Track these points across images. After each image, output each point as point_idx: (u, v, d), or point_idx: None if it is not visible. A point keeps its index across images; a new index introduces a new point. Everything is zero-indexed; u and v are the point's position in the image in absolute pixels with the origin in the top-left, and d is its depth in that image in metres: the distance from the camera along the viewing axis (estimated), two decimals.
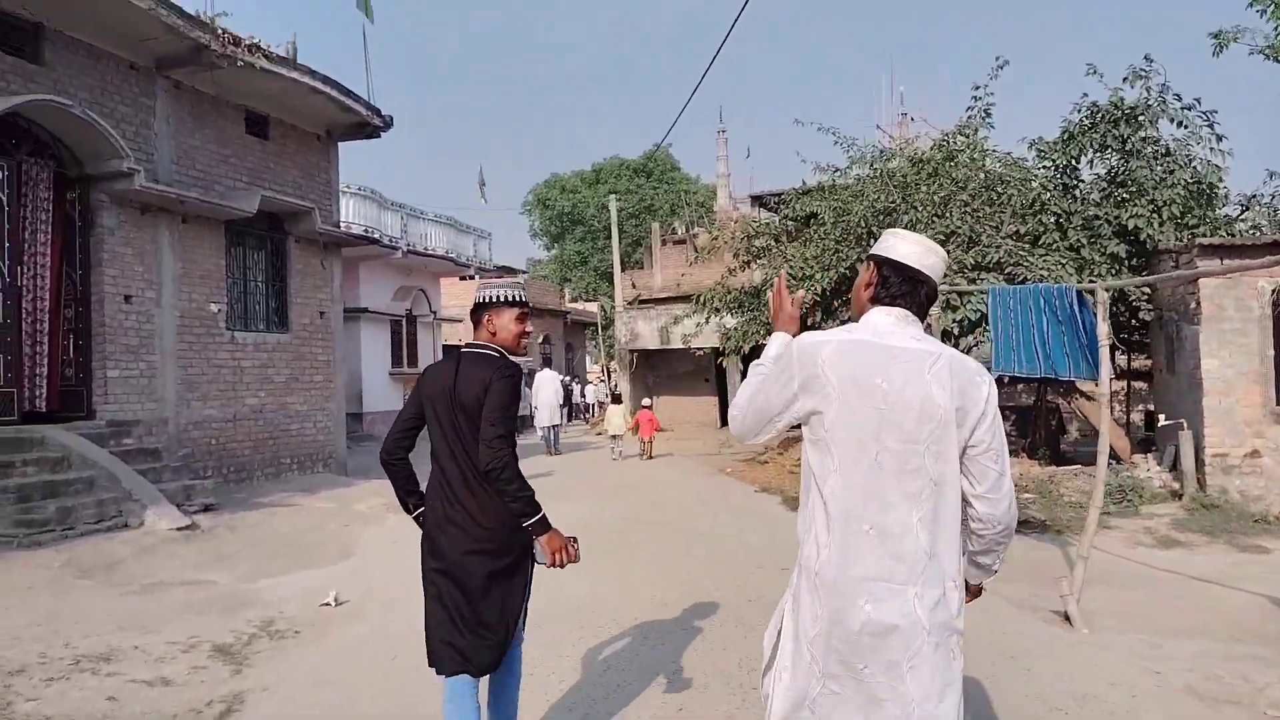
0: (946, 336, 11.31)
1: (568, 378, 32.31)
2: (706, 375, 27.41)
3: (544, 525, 3.23)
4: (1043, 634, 5.78)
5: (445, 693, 3.40)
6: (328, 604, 6.72)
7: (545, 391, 20.46)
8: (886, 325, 2.36)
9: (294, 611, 6.59)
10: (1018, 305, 6.83)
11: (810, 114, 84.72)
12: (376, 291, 24.36)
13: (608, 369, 29.72)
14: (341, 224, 20.91)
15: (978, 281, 11.60)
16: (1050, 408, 15.63)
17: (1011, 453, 8.99)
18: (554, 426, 20.60)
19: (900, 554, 2.21)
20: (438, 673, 3.41)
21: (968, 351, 11.08)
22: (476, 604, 3.31)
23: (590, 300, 54.25)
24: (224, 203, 11.96)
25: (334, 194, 14.77)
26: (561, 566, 3.27)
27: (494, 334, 3.45)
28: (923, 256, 2.41)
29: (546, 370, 23.05)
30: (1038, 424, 14.68)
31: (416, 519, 3.51)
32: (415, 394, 3.50)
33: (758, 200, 31.37)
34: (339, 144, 14.92)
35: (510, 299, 3.47)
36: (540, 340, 39.78)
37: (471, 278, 40.95)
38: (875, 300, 2.42)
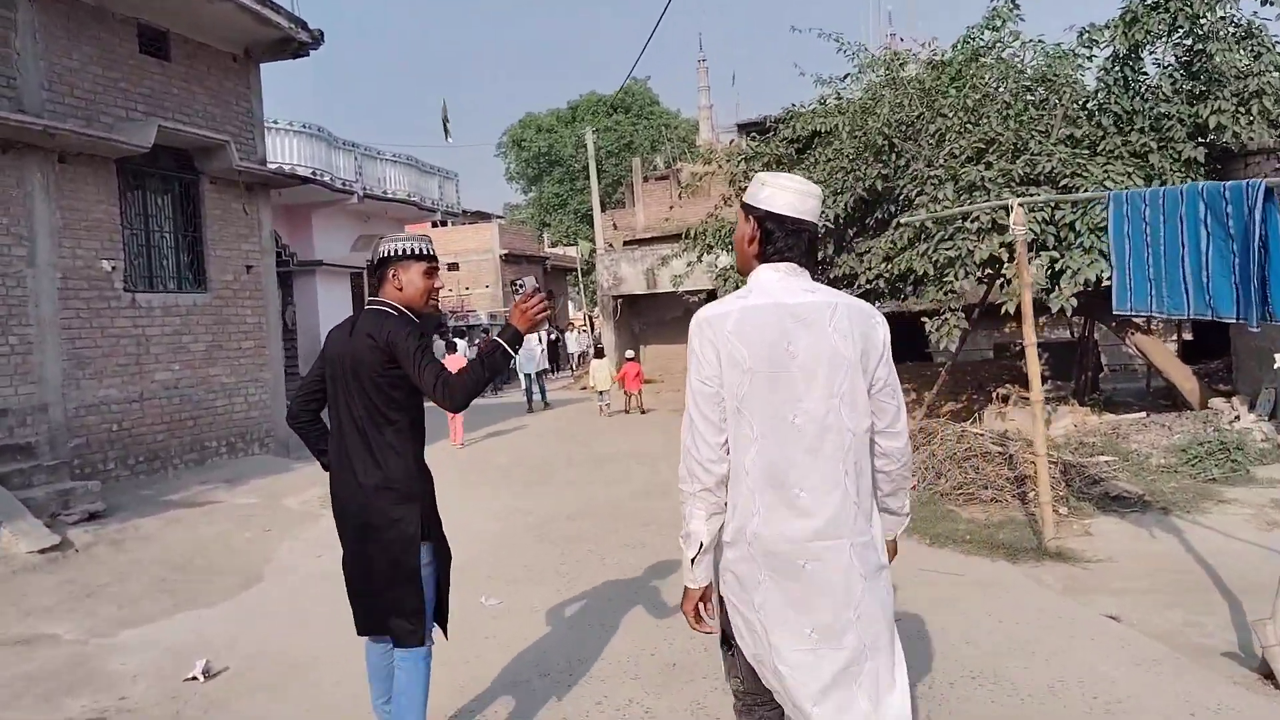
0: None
1: (554, 330, 30.23)
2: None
3: (509, 336, 3.07)
4: (1244, 706, 3.83)
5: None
6: (194, 678, 4.73)
7: (527, 342, 18.60)
8: (777, 282, 2.35)
9: (144, 693, 4.60)
10: (1159, 214, 4.80)
11: (792, 39, 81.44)
12: (333, 242, 22.14)
13: (591, 318, 27.70)
14: (284, 166, 18.69)
15: (1025, 194, 9.57)
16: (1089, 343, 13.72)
17: (1060, 398, 7.00)
18: (539, 373, 19.47)
19: (832, 509, 2.26)
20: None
21: (1054, 280, 9.07)
22: (366, 567, 3.24)
23: (571, 245, 52.26)
24: (110, 136, 9.76)
25: (257, 125, 12.52)
26: (541, 314, 3.07)
27: (400, 289, 3.25)
28: (800, 203, 2.38)
29: None
30: (1084, 364, 12.73)
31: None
32: (320, 356, 3.42)
33: (746, 129, 29.19)
34: (260, 66, 12.63)
35: (417, 251, 3.27)
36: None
37: (441, 223, 38.75)
38: (761, 257, 2.40)
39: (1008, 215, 8.89)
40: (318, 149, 19.89)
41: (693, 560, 2.37)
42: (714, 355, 2.31)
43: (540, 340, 21.19)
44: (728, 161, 14.30)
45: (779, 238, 2.37)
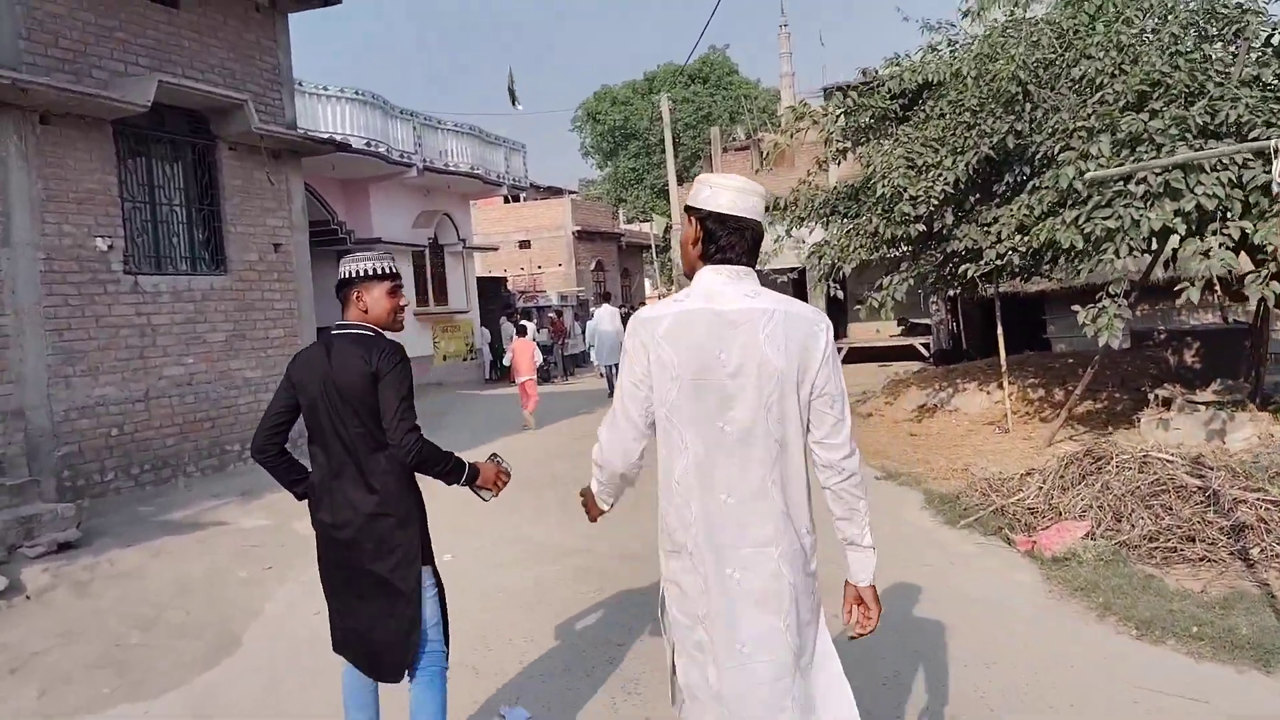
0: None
1: (628, 309, 28.61)
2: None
3: (473, 473, 3.15)
4: None
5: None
6: None
7: (605, 327, 18.34)
8: (718, 286, 2.27)
9: None
10: None
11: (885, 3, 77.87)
12: (392, 219, 20.83)
13: (664, 298, 26.28)
14: (336, 135, 17.35)
15: (1203, 148, 7.56)
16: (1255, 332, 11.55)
17: (1234, 402, 6.77)
18: (615, 365, 17.79)
19: (761, 519, 2.23)
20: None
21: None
22: (359, 593, 3.12)
23: (646, 221, 50.69)
24: (98, 93, 8.34)
25: (285, 83, 11.05)
26: (498, 490, 3.24)
27: (365, 311, 3.12)
28: (740, 201, 2.30)
29: (605, 305, 19.99)
30: (1259, 353, 10.57)
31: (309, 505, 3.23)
32: (285, 384, 3.21)
33: (833, 93, 27.00)
34: (288, 16, 11.15)
35: (379, 271, 3.14)
36: (593, 267, 36.14)
37: (512, 198, 37.40)
38: (704, 258, 2.31)
39: (1260, 161, 6.92)
40: (373, 117, 18.49)
41: (590, 490, 2.60)
42: (645, 358, 2.28)
43: (619, 330, 19.94)
44: (818, 122, 12.34)
45: (720, 236, 2.29)
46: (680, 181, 30.11)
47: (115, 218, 8.81)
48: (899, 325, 21.39)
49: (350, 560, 3.07)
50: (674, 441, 2.27)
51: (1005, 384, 11.40)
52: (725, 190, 2.32)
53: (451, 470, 3.07)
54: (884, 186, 10.02)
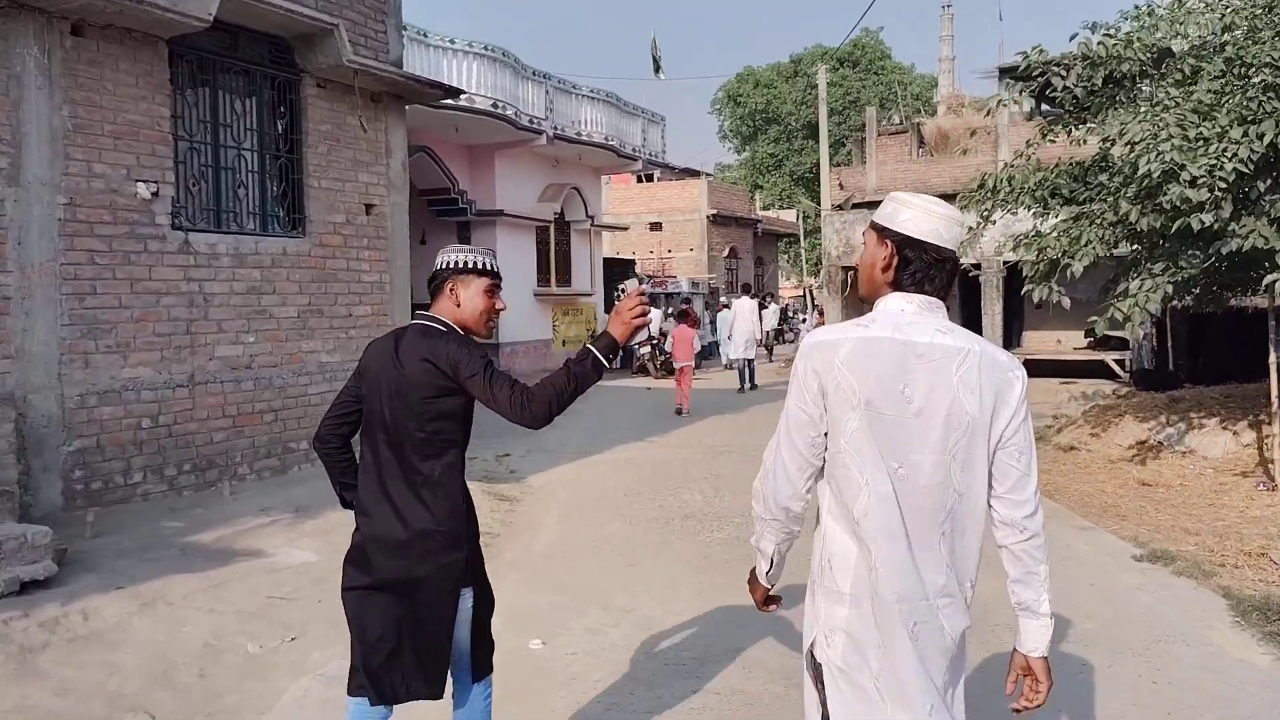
0: None
1: (775, 305, 26.32)
2: (946, 300, 20.81)
3: (605, 346, 2.68)
4: None
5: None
6: None
7: (744, 322, 17.42)
8: (908, 316, 2.06)
9: None
10: None
11: None
12: (518, 189, 19.10)
13: (810, 291, 23.44)
14: (462, 95, 15.60)
15: None
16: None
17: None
18: (749, 360, 17.54)
19: (930, 571, 2.06)
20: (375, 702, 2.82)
21: None
22: (404, 616, 2.79)
23: (785, 208, 48.38)
24: (151, 1, 6.60)
25: (391, 11, 9.20)
26: (640, 319, 2.69)
27: (458, 305, 2.84)
28: (945, 231, 2.09)
29: (745, 299, 18.58)
30: None
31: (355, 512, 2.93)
32: (356, 372, 2.97)
33: (1012, 74, 24.06)
34: None
35: (480, 266, 2.86)
36: (726, 254, 33.90)
37: (646, 177, 35.42)
38: (894, 285, 2.10)
39: None
40: (502, 77, 16.72)
41: (766, 573, 2.35)
42: (817, 385, 2.06)
43: (758, 322, 18.45)
44: (1046, 71, 9.69)
45: (918, 268, 2.08)
46: (832, 164, 27.50)
47: (164, 159, 7.11)
48: (1086, 336, 18.44)
49: (386, 572, 2.77)
50: (851, 476, 2.04)
51: (1275, 422, 8.72)
52: (929, 216, 2.09)
53: (579, 375, 2.66)
54: (1149, 162, 7.51)
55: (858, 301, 21.70)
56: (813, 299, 27.50)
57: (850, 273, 20.72)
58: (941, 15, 47.18)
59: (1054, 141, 10.20)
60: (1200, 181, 7.26)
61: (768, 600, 2.42)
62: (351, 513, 2.92)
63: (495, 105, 16.33)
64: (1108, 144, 9.99)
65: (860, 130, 33.38)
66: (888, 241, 2.11)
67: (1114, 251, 8.75)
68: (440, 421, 2.75)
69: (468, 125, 16.54)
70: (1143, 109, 8.41)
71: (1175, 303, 10.23)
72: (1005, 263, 16.20)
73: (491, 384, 2.66)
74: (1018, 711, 2.23)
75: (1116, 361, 17.12)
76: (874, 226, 2.17)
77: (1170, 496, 8.50)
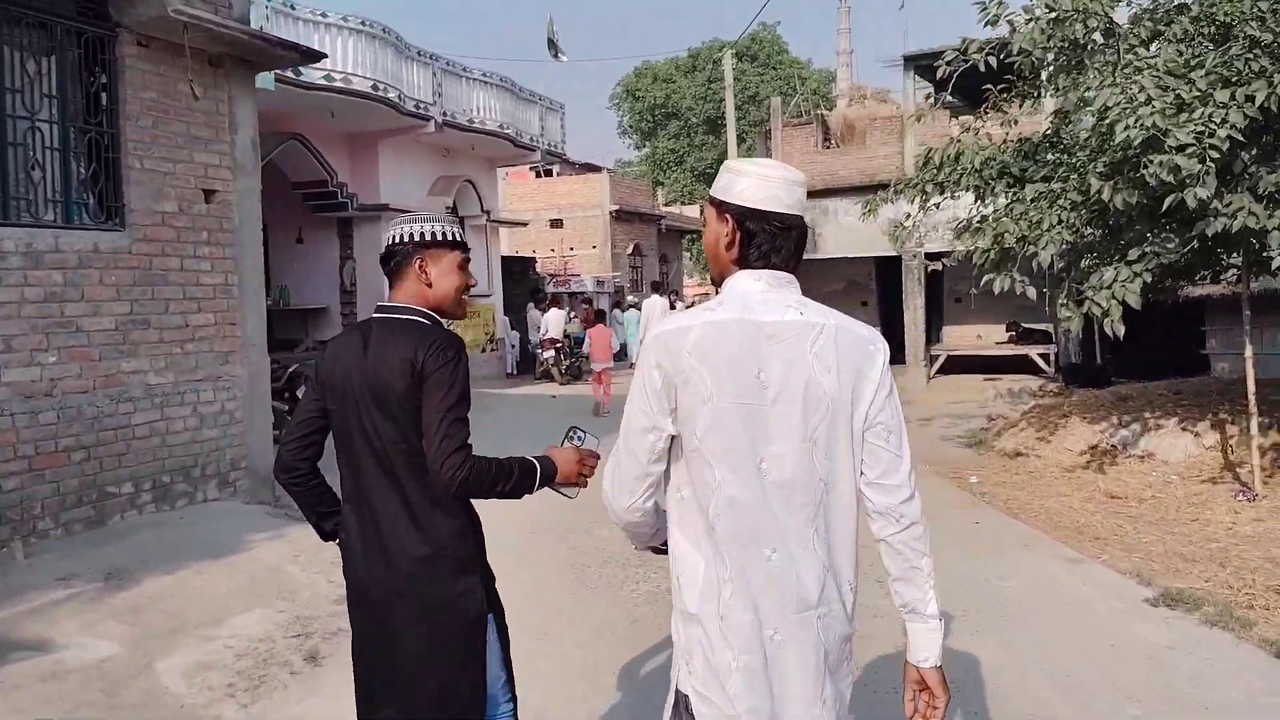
0: None
1: (681, 304, 25.18)
2: (864, 295, 19.94)
3: (549, 473, 2.42)
4: None
5: None
6: None
7: (657, 321, 15.22)
8: (756, 294, 1.92)
9: None
10: None
11: None
12: (405, 181, 17.53)
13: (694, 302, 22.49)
14: (335, 74, 14.00)
15: None
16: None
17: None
18: None
19: (805, 575, 1.87)
20: None
21: None
22: (401, 668, 2.39)
23: (688, 204, 47.61)
24: None
25: None
26: (585, 480, 2.50)
27: (429, 286, 2.47)
28: (785, 195, 1.93)
29: (655, 297, 18.02)
30: None
31: (341, 545, 2.53)
32: (314, 383, 2.52)
33: (916, 63, 23.51)
34: None
35: (451, 237, 2.51)
36: (630, 251, 32.70)
37: (546, 172, 33.93)
38: (741, 262, 1.96)
39: None
40: (383, 56, 15.11)
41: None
42: (662, 380, 1.88)
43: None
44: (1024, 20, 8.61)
45: (762, 240, 1.94)
46: (739, 155, 26.51)
47: None
48: (1008, 330, 17.78)
49: (388, 629, 2.38)
50: (705, 480, 1.88)
51: (1253, 424, 7.90)
52: (768, 182, 1.93)
53: (517, 483, 2.37)
54: (1127, 129, 6.51)
55: None
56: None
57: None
58: (839, 8, 46.99)
59: (986, 122, 9.20)
60: (1190, 150, 6.29)
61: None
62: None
63: (376, 87, 14.73)
64: (1060, 118, 9.08)
65: (760, 125, 32.63)
66: (727, 216, 1.97)
67: (1065, 236, 7.76)
68: None
69: (345, 110, 14.92)
70: (1107, 73, 7.46)
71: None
72: (928, 254, 15.39)
73: (446, 422, 2.29)
74: None
75: (1041, 356, 16.47)
76: (711, 201, 2.02)
77: (1145, 512, 7.58)
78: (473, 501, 2.45)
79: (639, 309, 20.24)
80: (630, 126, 56.01)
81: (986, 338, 18.01)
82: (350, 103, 14.55)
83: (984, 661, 4.48)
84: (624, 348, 23.95)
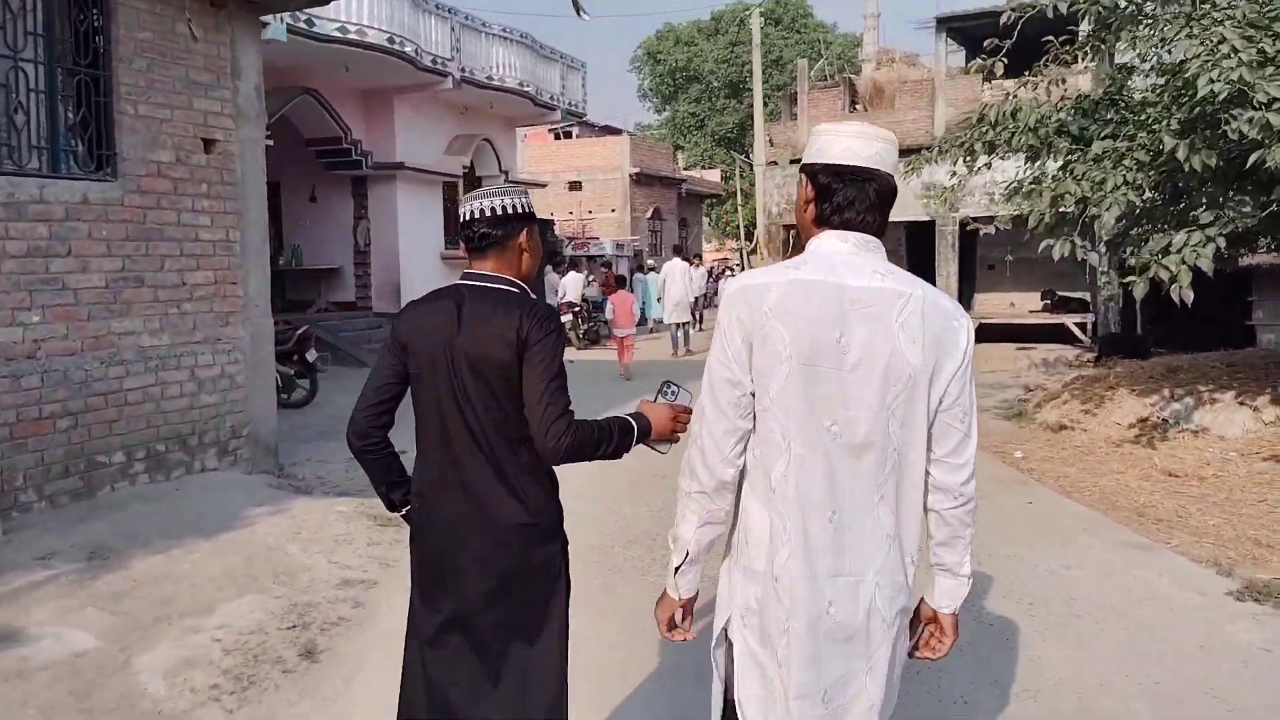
0: None
1: (701, 267, 24.60)
2: (894, 261, 19.29)
3: (644, 430, 2.41)
4: None
5: None
6: None
7: (676, 286, 16.79)
8: (843, 256, 1.89)
9: None
10: None
11: None
12: (421, 140, 16.99)
13: (745, 254, 21.64)
14: (350, 27, 13.46)
15: None
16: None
17: None
18: (684, 324, 17.22)
19: (863, 541, 1.87)
20: None
21: None
22: (510, 657, 2.38)
23: (708, 168, 46.84)
24: None
25: None
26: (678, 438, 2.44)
27: (527, 257, 2.51)
28: (859, 147, 1.89)
29: (677, 260, 17.93)
30: None
31: (406, 517, 2.55)
32: (392, 347, 2.46)
33: (950, 24, 22.77)
34: None
35: (533, 211, 2.53)
36: (649, 215, 32.10)
37: (566, 134, 33.24)
38: (821, 221, 1.94)
39: None
40: (399, 9, 14.52)
41: (677, 569, 2.03)
42: (742, 336, 1.88)
43: (690, 288, 17.81)
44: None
45: (837, 192, 1.90)
46: (765, 118, 25.78)
47: None
48: (1043, 299, 17.14)
49: (473, 600, 2.36)
50: (774, 440, 1.87)
51: None
52: (840, 136, 1.92)
53: (618, 444, 2.37)
54: (1210, 83, 5.93)
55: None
56: (742, 263, 25.54)
57: (791, 230, 19.17)
58: None
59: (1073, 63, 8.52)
60: (1277, 105, 5.72)
61: (674, 622, 2.09)
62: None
63: (392, 41, 14.16)
64: (1123, 73, 8.44)
65: (782, 90, 31.82)
66: (804, 176, 1.97)
67: (1131, 198, 7.16)
68: None
69: (360, 64, 14.36)
70: (1178, 24, 6.84)
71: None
72: (963, 221, 14.76)
73: (550, 390, 2.29)
74: (915, 657, 2.06)
75: (1078, 325, 15.84)
76: (801, 170, 2.00)
77: (1208, 492, 7.05)
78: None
79: (659, 272, 19.78)
80: (651, 90, 55.25)
81: (1019, 306, 17.39)
82: (365, 56, 13.99)
83: (1058, 661, 4.02)
84: (643, 313, 23.44)
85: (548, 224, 25.30)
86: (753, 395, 1.88)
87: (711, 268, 30.62)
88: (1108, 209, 6.91)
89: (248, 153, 7.19)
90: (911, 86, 23.66)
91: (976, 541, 5.35)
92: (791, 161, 22.68)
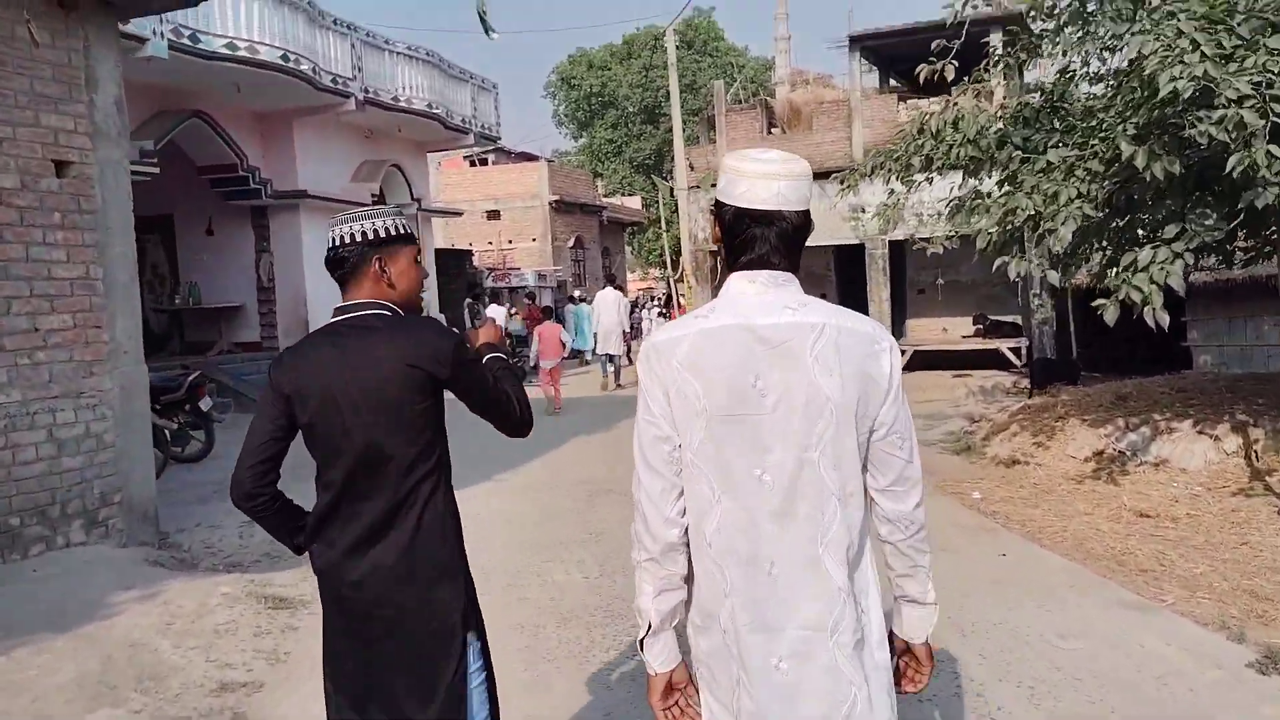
0: None
1: (629, 300, 23.95)
2: (822, 287, 18.89)
3: (494, 351, 2.52)
4: None
5: None
6: None
7: (608, 316, 16.39)
8: (750, 297, 1.84)
9: None
10: None
11: None
12: (325, 167, 16.05)
13: (672, 283, 21.04)
14: (240, 43, 12.52)
15: None
16: None
17: None
18: (612, 356, 16.74)
19: (808, 596, 1.78)
20: None
21: None
22: (394, 675, 2.29)
23: (628, 195, 46.50)
24: None
25: None
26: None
27: (392, 285, 2.37)
28: (763, 189, 1.82)
29: (609, 290, 17.78)
30: None
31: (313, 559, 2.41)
32: (272, 398, 2.33)
33: (863, 42, 22.66)
34: None
35: (403, 232, 2.40)
36: (571, 244, 31.42)
37: (481, 161, 32.42)
38: (731, 263, 1.90)
39: None
40: (294, 24, 13.61)
41: (642, 642, 1.91)
42: (661, 393, 1.84)
43: (622, 319, 17.22)
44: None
45: (740, 231, 1.86)
46: (684, 141, 25.34)
47: None
48: (975, 323, 16.89)
49: (373, 634, 2.30)
50: (702, 493, 1.83)
51: None
52: (742, 177, 1.84)
53: (513, 368, 2.54)
54: (1172, 80, 5.48)
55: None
56: (673, 293, 24.80)
57: (719, 257, 18.76)
58: None
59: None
60: (1251, 103, 5.30)
61: (668, 692, 1.91)
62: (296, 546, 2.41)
63: (286, 59, 13.22)
64: (1064, 79, 8.04)
65: (699, 114, 31.56)
66: (719, 218, 1.91)
67: (1087, 211, 6.71)
68: (426, 430, 2.32)
69: (254, 84, 13.42)
70: (1123, 22, 6.45)
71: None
72: (909, 240, 14.39)
73: (499, 387, 2.37)
74: (900, 694, 1.95)
75: (1012, 350, 15.60)
76: (711, 203, 2.00)
77: (1185, 534, 6.57)
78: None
79: (589, 302, 19.18)
80: (566, 115, 54.76)
81: (952, 331, 17.11)
82: (258, 76, 13.05)
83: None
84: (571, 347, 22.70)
85: (466, 255, 24.41)
86: (681, 448, 1.83)
87: (637, 298, 30.01)
88: (1063, 223, 6.41)
89: (109, 176, 6.27)
90: (828, 107, 23.53)
91: (956, 605, 4.69)
92: (712, 185, 22.33)
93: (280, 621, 4.86)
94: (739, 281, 1.86)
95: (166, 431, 9.19)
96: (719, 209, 1.89)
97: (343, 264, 2.34)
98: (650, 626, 1.89)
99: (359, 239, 2.33)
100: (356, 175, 16.78)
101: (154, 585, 5.30)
